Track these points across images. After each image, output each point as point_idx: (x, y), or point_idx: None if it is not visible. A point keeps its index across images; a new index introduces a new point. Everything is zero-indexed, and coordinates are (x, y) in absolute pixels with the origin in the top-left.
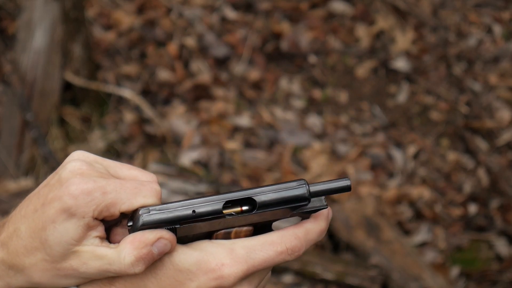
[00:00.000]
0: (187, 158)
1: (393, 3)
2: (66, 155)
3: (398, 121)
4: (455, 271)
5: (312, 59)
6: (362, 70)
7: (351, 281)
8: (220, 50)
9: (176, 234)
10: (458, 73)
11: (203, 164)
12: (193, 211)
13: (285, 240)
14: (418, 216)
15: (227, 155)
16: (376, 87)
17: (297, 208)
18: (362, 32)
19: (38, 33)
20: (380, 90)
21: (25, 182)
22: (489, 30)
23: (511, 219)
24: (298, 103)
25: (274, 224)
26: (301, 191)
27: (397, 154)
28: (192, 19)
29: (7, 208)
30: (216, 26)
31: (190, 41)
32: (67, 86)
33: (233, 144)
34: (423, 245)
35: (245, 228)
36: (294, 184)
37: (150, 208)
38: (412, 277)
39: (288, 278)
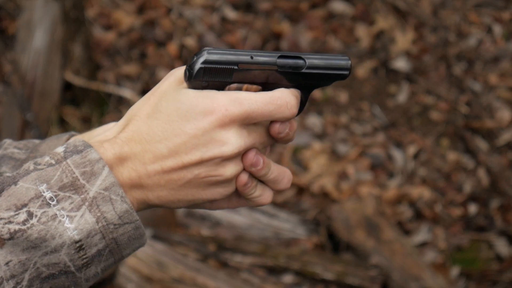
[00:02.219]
0: None
1: (393, 3)
2: None
3: (398, 121)
4: (455, 271)
5: None
6: (362, 70)
7: (351, 281)
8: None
9: (232, 78)
10: (458, 73)
11: None
12: (251, 56)
13: (285, 95)
14: (418, 216)
15: None
16: (376, 87)
17: (338, 76)
18: (362, 32)
19: (38, 33)
20: (380, 90)
21: None
22: (489, 30)
23: (511, 219)
24: None
25: None
26: (346, 62)
27: (397, 154)
28: (192, 19)
29: None
30: (216, 26)
31: (190, 41)
32: (67, 86)
33: None
34: (423, 245)
35: (255, 86)
36: (339, 56)
37: (214, 49)
38: (412, 277)
39: (288, 278)
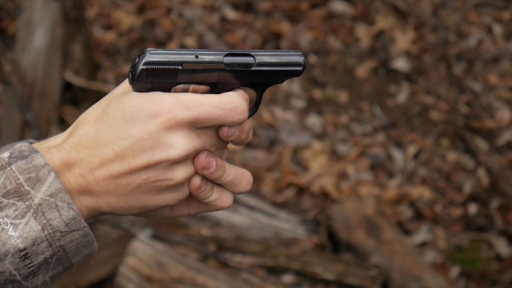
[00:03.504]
0: None
1: (393, 3)
2: None
3: (398, 121)
4: (455, 271)
5: (312, 59)
6: (362, 70)
7: (351, 281)
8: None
9: (177, 79)
10: (458, 73)
11: None
12: (196, 56)
13: (234, 99)
14: (418, 216)
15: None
16: (376, 87)
17: (291, 73)
18: (362, 32)
19: (38, 33)
20: (380, 90)
21: None
22: (489, 30)
23: (511, 219)
24: (298, 103)
25: None
26: (299, 57)
27: (397, 154)
28: (192, 19)
29: None
30: (216, 26)
31: (190, 41)
32: (67, 86)
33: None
34: (423, 245)
35: (202, 87)
36: (291, 52)
37: (156, 49)
38: (412, 277)
39: (288, 278)
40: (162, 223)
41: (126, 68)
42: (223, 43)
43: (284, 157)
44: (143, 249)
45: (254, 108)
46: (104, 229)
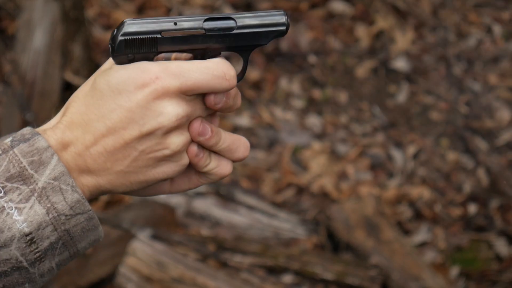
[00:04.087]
0: None
1: (393, 3)
2: None
3: (398, 121)
4: (455, 271)
5: (312, 59)
6: (362, 70)
7: (351, 281)
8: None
9: (157, 48)
10: (458, 73)
11: None
12: (175, 23)
13: (221, 66)
14: (418, 216)
15: None
16: (376, 87)
17: (274, 33)
18: (362, 32)
19: (38, 33)
20: (380, 90)
21: None
22: (489, 30)
23: (511, 219)
24: (298, 103)
25: None
26: (281, 17)
27: (397, 154)
28: None
29: None
30: None
31: None
32: (67, 86)
33: None
34: (423, 245)
35: (184, 54)
36: (274, 12)
37: (134, 19)
38: (412, 277)
39: (288, 278)
40: (162, 223)
41: None
42: None
43: (284, 157)
44: (143, 249)
45: (241, 73)
46: (104, 229)
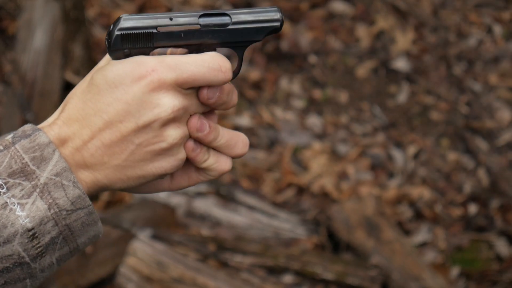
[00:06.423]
0: None
1: (393, 3)
2: None
3: (398, 121)
4: (455, 271)
5: (312, 59)
6: (362, 70)
7: (351, 281)
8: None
9: (153, 43)
10: (458, 73)
11: None
12: (170, 18)
13: (216, 58)
14: (418, 216)
15: None
16: (376, 87)
17: (268, 29)
18: (362, 32)
19: (38, 33)
20: (380, 90)
21: None
22: (489, 30)
23: (511, 219)
24: (298, 103)
25: None
26: (275, 13)
27: (397, 154)
28: None
29: None
30: None
31: None
32: (67, 86)
33: None
34: (423, 245)
35: (180, 49)
36: (268, 8)
37: (130, 15)
38: (412, 277)
39: (288, 278)
40: (162, 223)
41: None
42: None
43: (284, 157)
44: (143, 249)
45: (236, 69)
46: (104, 229)
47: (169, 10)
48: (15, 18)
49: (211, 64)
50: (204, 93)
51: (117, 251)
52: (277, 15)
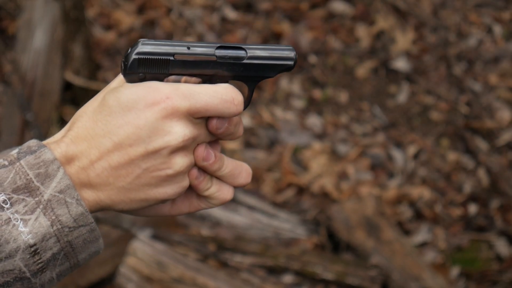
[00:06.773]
0: None
1: (393, 3)
2: None
3: (398, 121)
4: (455, 271)
5: (312, 59)
6: (362, 70)
7: (351, 281)
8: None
9: (168, 70)
10: (458, 73)
11: None
12: (188, 47)
13: (230, 90)
14: (418, 216)
15: (227, 155)
16: (376, 87)
17: (282, 67)
18: (362, 32)
19: (38, 33)
20: (380, 90)
21: None
22: (489, 30)
23: (511, 219)
24: (298, 103)
25: None
26: (290, 52)
27: (397, 154)
28: (192, 19)
29: None
30: (216, 26)
31: None
32: (67, 86)
33: (233, 144)
34: (423, 245)
35: (194, 78)
36: (283, 47)
37: (149, 40)
38: (412, 277)
39: (288, 278)
40: (162, 223)
41: None
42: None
43: (284, 157)
44: (143, 249)
45: (246, 102)
46: (104, 229)
47: (169, 10)
48: (15, 18)
49: (224, 96)
50: (214, 123)
51: (117, 251)
52: (291, 54)
